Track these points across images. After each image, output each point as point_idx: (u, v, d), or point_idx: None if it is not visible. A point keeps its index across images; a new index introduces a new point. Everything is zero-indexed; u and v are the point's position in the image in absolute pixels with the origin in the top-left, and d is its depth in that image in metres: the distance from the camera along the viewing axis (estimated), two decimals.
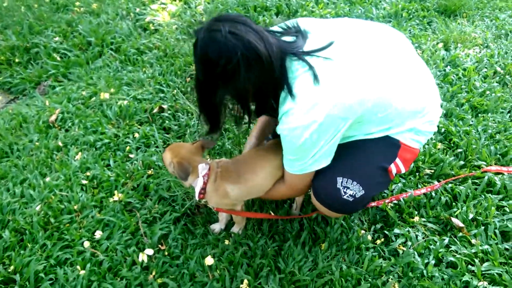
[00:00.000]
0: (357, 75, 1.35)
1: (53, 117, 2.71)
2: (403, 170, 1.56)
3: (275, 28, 1.50)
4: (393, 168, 1.53)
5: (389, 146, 1.51)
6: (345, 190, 1.51)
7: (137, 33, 3.81)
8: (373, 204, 1.94)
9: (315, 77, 1.31)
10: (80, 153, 2.39)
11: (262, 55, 1.26)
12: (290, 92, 1.34)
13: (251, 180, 1.65)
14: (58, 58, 3.49)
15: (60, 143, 2.47)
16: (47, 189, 2.13)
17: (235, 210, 1.75)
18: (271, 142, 1.78)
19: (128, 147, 2.39)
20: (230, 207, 1.73)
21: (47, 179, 2.21)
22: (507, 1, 4.04)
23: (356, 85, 1.33)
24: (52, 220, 1.96)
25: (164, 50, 3.47)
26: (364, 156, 1.51)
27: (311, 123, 1.31)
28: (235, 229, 1.88)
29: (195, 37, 1.33)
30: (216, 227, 1.91)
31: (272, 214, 1.96)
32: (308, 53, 1.36)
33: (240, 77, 1.28)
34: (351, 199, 1.52)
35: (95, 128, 2.57)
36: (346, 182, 1.50)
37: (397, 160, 1.53)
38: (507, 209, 1.88)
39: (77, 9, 4.31)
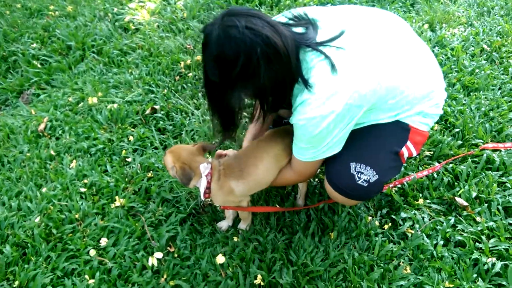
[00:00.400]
0: (370, 63, 1.35)
1: (41, 126, 2.63)
2: (414, 153, 1.58)
3: (282, 19, 1.47)
4: (404, 151, 1.55)
5: (399, 130, 1.52)
6: (359, 175, 1.51)
7: (118, 34, 3.72)
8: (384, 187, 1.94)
9: (333, 66, 1.30)
10: (74, 161, 2.33)
11: (280, 49, 1.23)
12: (305, 83, 1.32)
13: (255, 173, 1.64)
14: (39, 65, 3.39)
15: (52, 152, 2.40)
16: (44, 200, 2.07)
17: (242, 206, 1.73)
18: (270, 132, 1.76)
19: (124, 151, 2.34)
20: (237, 204, 1.72)
21: (44, 189, 2.15)
22: None
23: (370, 73, 1.33)
24: (54, 231, 1.91)
25: (148, 50, 3.40)
26: (375, 141, 1.52)
27: (330, 113, 1.30)
28: (242, 225, 1.87)
29: (204, 34, 1.26)
30: (224, 224, 1.90)
31: (278, 207, 1.95)
32: (321, 43, 1.34)
33: (260, 75, 1.24)
34: (365, 184, 1.53)
35: (87, 134, 2.51)
36: (360, 167, 1.51)
37: (408, 143, 1.54)
38: (508, 185, 1.91)
39: (51, 13, 4.18)
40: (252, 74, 1.24)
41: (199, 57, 3.10)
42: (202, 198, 1.63)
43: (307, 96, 1.33)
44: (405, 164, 2.10)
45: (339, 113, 1.31)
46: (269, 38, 1.20)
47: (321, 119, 1.31)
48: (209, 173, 1.60)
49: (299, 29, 1.38)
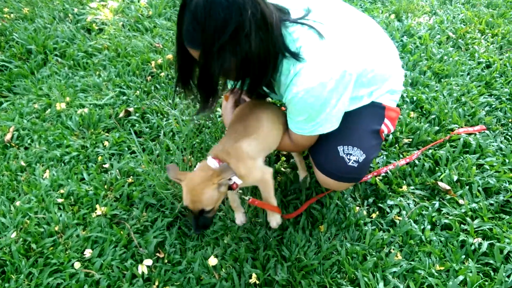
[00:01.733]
0: (348, 37, 1.42)
1: (8, 136, 2.48)
2: (392, 129, 1.69)
3: None
4: (384, 129, 1.65)
5: (376, 110, 1.62)
6: (348, 157, 1.56)
7: (81, 35, 3.56)
8: (369, 176, 1.97)
9: (319, 33, 1.31)
10: (47, 171, 2.21)
11: (267, 18, 1.20)
12: (295, 55, 1.30)
13: (260, 129, 1.56)
14: None
15: (23, 163, 2.26)
16: (19, 214, 1.95)
17: (266, 179, 1.60)
18: (250, 101, 1.74)
19: (100, 157, 2.25)
20: (262, 176, 1.57)
21: (17, 203, 2.02)
22: None
23: (352, 43, 1.41)
24: (33, 245, 1.80)
25: (115, 50, 3.28)
26: (357, 123, 1.58)
27: (329, 80, 1.31)
28: (274, 222, 1.70)
29: (183, 2, 1.17)
30: (240, 218, 1.81)
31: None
32: (299, 19, 1.35)
33: (249, 44, 1.16)
34: (355, 164, 1.57)
35: (59, 142, 2.39)
36: (348, 149, 1.55)
37: (386, 121, 1.65)
38: (486, 166, 1.99)
39: (6, 16, 3.94)
40: (239, 42, 1.15)
41: (170, 56, 3.03)
42: (237, 182, 1.45)
43: (300, 66, 1.31)
44: (386, 153, 2.14)
45: (337, 80, 1.32)
46: (258, 3, 1.17)
47: (321, 87, 1.31)
48: (219, 161, 1.45)
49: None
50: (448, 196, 1.88)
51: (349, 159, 1.56)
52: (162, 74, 2.90)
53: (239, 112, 1.70)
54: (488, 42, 2.95)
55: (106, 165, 2.20)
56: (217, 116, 2.46)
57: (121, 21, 3.73)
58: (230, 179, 1.41)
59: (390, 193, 1.94)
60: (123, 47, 3.26)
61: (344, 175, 1.61)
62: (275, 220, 1.70)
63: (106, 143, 2.34)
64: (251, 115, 1.61)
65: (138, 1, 4.04)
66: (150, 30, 3.53)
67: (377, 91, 1.60)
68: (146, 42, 3.28)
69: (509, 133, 2.20)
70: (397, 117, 1.72)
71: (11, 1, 4.18)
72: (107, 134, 2.44)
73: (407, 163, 2.05)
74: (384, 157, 2.11)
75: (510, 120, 2.28)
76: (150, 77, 2.93)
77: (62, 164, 2.24)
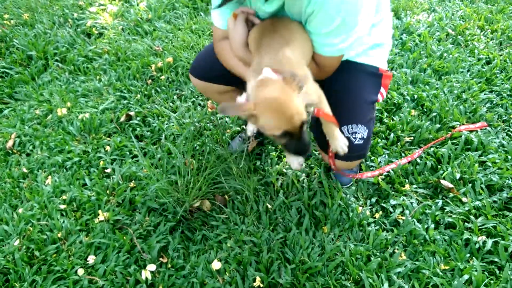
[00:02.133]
0: None
1: (9, 143, 2.48)
2: (384, 96, 1.69)
3: None
4: (380, 98, 1.65)
5: (373, 78, 1.61)
6: (354, 136, 1.56)
7: (81, 40, 3.57)
8: (367, 174, 1.96)
9: None
10: (50, 177, 2.21)
11: None
12: None
13: (292, 34, 1.38)
14: None
15: (24, 170, 2.27)
16: (22, 221, 1.95)
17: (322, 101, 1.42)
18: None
19: (102, 162, 2.25)
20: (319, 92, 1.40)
21: (20, 210, 2.02)
22: None
23: None
24: (36, 253, 1.80)
25: (115, 54, 3.28)
26: (357, 95, 1.57)
27: None
28: (340, 147, 1.52)
29: None
30: (250, 128, 1.73)
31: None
32: None
33: None
34: (361, 142, 1.58)
35: (60, 148, 2.39)
36: (352, 128, 1.56)
37: (381, 89, 1.64)
38: (489, 163, 1.98)
39: (7, 22, 3.96)
40: None
41: (170, 59, 3.03)
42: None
43: None
44: (388, 152, 2.13)
45: None
46: None
47: None
48: (274, 71, 1.24)
49: None
50: (451, 194, 1.88)
51: (354, 138, 1.56)
52: (163, 77, 2.90)
53: (261, 29, 1.44)
54: (487, 38, 2.93)
55: (108, 170, 2.20)
56: (218, 118, 2.46)
57: (120, 25, 3.74)
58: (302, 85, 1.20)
59: (393, 192, 1.93)
60: (123, 51, 3.26)
61: (352, 153, 1.60)
62: (338, 143, 1.52)
63: (107, 147, 2.34)
64: (279, 27, 1.40)
65: (138, 5, 4.04)
66: (150, 33, 3.53)
67: (376, 32, 1.53)
68: (146, 46, 3.28)
69: (511, 129, 2.19)
70: (389, 83, 1.69)
71: (11, 8, 4.19)
72: (108, 138, 2.45)
73: (409, 162, 2.04)
74: (386, 156, 2.10)
75: (511, 116, 2.26)
76: (150, 80, 2.93)
77: (64, 170, 2.24)
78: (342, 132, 1.56)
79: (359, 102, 1.59)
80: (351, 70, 1.60)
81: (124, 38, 3.49)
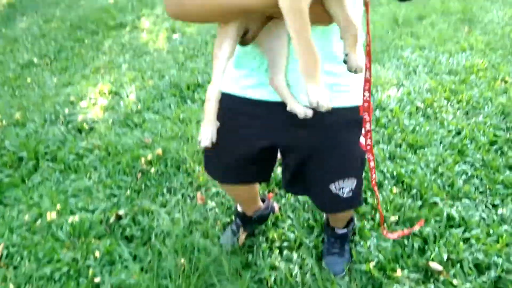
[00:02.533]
0: None
1: None
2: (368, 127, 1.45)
3: None
4: (362, 140, 1.49)
5: (356, 126, 1.43)
6: (342, 192, 1.54)
7: (71, 136, 3.68)
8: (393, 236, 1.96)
9: None
10: None
11: None
12: None
13: None
14: None
15: (12, 286, 2.23)
16: None
17: None
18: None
19: (91, 271, 2.23)
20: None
21: None
22: (404, 40, 4.58)
23: None
24: None
25: (106, 149, 3.37)
26: (344, 151, 1.48)
27: None
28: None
29: None
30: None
31: None
32: None
33: None
34: (351, 194, 1.55)
35: (49, 257, 2.37)
36: (339, 184, 1.53)
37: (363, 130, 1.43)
38: (472, 241, 2.03)
39: None
40: None
41: (159, 151, 3.12)
42: None
43: None
44: (375, 234, 2.17)
45: None
46: None
47: None
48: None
49: None
50: (442, 278, 1.89)
51: (343, 193, 1.55)
52: (152, 170, 2.98)
53: None
54: (454, 108, 3.13)
55: (97, 279, 2.18)
56: (208, 210, 2.51)
57: (111, 117, 3.88)
58: None
59: (386, 280, 1.94)
60: (114, 145, 3.35)
61: (343, 206, 1.63)
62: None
63: (97, 253, 2.33)
64: None
65: (127, 96, 4.23)
66: (139, 125, 3.66)
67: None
68: (136, 139, 3.39)
69: (489, 201, 2.27)
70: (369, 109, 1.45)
71: (3, 108, 4.34)
72: (98, 241, 2.45)
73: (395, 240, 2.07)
74: (375, 240, 2.14)
75: (487, 187, 2.36)
76: (140, 174, 3.00)
77: (53, 283, 2.22)
78: (330, 191, 1.53)
79: (344, 156, 1.49)
80: (326, 125, 1.41)
81: (114, 131, 3.61)
